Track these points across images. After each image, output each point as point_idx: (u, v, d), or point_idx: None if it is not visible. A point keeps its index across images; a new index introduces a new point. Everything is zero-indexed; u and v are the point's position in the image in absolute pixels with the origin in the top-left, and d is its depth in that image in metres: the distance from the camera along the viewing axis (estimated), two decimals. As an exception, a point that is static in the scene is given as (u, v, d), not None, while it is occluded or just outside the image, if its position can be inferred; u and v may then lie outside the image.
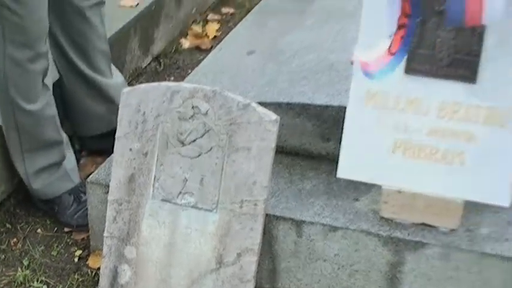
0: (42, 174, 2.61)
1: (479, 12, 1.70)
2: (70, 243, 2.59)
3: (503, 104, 1.93)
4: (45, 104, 2.56)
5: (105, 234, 2.12)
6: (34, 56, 2.46)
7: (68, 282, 2.40)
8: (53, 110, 2.60)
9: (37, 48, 2.47)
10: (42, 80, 2.52)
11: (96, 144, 2.91)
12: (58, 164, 2.62)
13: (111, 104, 2.77)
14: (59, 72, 2.84)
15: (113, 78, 2.90)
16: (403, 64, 1.96)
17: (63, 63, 2.82)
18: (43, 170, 2.60)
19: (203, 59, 3.06)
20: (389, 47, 1.83)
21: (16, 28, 2.40)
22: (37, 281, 2.40)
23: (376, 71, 1.82)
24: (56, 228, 2.64)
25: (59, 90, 2.80)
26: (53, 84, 2.63)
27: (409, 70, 1.96)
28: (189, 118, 2.01)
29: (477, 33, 1.91)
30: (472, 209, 2.05)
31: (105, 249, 2.14)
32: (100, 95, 2.84)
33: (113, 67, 2.93)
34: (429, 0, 1.92)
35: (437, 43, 1.94)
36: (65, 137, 2.67)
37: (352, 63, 2.01)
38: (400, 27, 1.83)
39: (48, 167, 2.60)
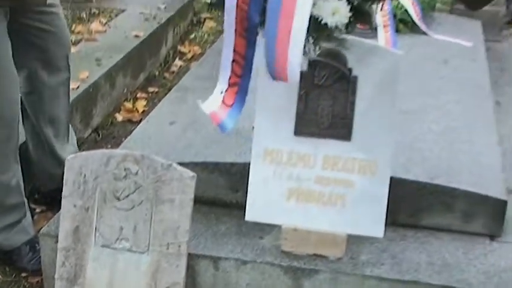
0: (4, 231, 2.54)
1: (284, 72, 1.61)
2: (27, 286, 2.54)
3: (373, 157, 1.98)
4: (12, 175, 2.49)
5: (56, 276, 2.08)
6: (8, 136, 2.39)
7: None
8: (19, 177, 2.53)
9: (11, 128, 2.39)
10: (14, 155, 2.45)
11: (52, 194, 2.78)
12: (19, 221, 2.57)
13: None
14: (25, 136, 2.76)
15: (68, 144, 2.83)
16: (292, 127, 1.99)
17: (30, 130, 2.74)
18: (6, 228, 2.54)
19: (134, 129, 3.04)
20: (223, 100, 1.75)
21: None
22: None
23: (220, 122, 1.76)
24: (14, 274, 2.58)
25: (24, 148, 2.73)
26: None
27: (298, 132, 1.99)
28: (123, 178, 2.00)
29: (350, 102, 1.97)
30: (354, 240, 2.08)
31: (56, 289, 2.11)
32: (57, 158, 2.77)
33: (72, 133, 2.87)
34: (311, 75, 1.98)
35: (319, 110, 1.98)
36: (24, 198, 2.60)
37: (253, 128, 2.05)
38: (231, 85, 1.76)
39: (10, 225, 2.55)
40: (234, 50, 1.70)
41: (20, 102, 2.46)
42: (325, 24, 1.58)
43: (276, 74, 1.62)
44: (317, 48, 1.75)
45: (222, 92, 1.77)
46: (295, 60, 1.56)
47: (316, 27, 1.59)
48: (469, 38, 3.39)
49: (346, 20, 1.57)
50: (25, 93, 2.65)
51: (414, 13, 3.48)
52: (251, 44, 1.67)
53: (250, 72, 1.72)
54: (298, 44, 1.55)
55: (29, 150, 2.80)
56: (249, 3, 1.59)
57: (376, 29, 3.19)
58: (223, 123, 1.76)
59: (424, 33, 3.47)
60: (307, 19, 1.53)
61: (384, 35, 3.17)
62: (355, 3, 1.54)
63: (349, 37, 2.04)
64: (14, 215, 2.56)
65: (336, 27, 1.59)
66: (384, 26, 3.22)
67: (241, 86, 1.75)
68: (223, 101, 1.76)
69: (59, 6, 2.64)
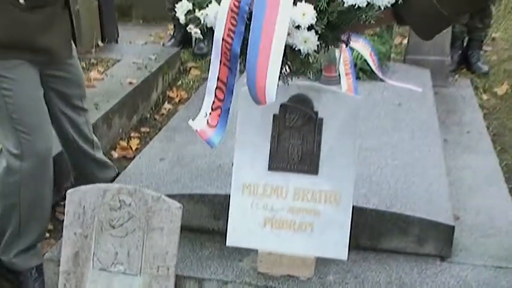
0: (23, 253, 2.50)
1: (263, 95, 1.61)
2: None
3: (337, 188, 1.99)
4: (49, 205, 2.53)
5: (58, 297, 2.06)
6: (44, 167, 2.44)
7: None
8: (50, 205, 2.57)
9: (47, 160, 2.43)
10: (49, 185, 2.49)
11: None
12: (35, 244, 2.53)
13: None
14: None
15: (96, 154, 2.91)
16: (267, 163, 1.99)
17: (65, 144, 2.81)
18: (25, 250, 2.50)
19: (128, 165, 3.03)
20: (207, 122, 1.76)
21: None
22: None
23: (208, 139, 1.76)
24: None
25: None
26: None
27: (271, 167, 2.00)
28: (117, 209, 1.99)
29: (316, 141, 1.99)
30: (322, 262, 2.08)
31: (57, 309, 2.07)
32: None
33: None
34: (282, 118, 1.99)
35: (290, 148, 1.99)
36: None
37: (232, 164, 2.05)
38: (214, 109, 1.76)
39: (29, 247, 2.50)
40: (218, 78, 1.72)
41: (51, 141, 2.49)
42: (299, 50, 1.62)
43: (256, 96, 1.63)
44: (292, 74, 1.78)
45: (206, 115, 1.77)
46: (272, 82, 1.58)
47: (292, 54, 1.64)
48: (420, 84, 3.43)
49: (315, 47, 1.62)
50: (57, 133, 2.72)
51: (372, 62, 3.52)
52: (233, 72, 1.69)
53: (231, 97, 1.74)
54: (275, 69, 1.58)
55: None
56: (233, 37, 1.62)
57: (339, 76, 3.23)
58: (210, 140, 1.77)
59: (381, 80, 3.51)
60: (283, 47, 1.58)
61: (346, 82, 3.22)
62: (320, 32, 1.60)
63: (316, 84, 2.07)
64: (37, 238, 2.52)
65: (308, 53, 1.64)
66: (346, 74, 3.26)
67: (223, 109, 1.75)
68: (207, 123, 1.77)
69: (76, 57, 2.66)
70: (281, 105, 1.97)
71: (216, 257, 2.19)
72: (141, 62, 4.37)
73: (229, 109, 1.74)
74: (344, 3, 1.57)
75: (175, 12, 4.88)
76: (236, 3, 1.60)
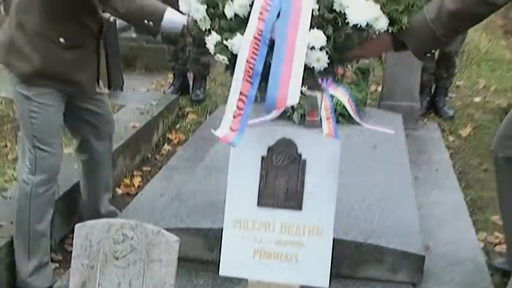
0: (36, 272, 2.51)
1: (285, 99, 1.79)
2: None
3: (319, 222, 1.98)
4: (48, 224, 2.55)
5: (65, 324, 2.03)
6: (50, 188, 2.52)
7: None
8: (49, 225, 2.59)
9: (54, 182, 2.52)
10: (52, 205, 2.56)
11: None
12: (47, 263, 2.54)
13: None
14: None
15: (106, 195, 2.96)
16: (255, 199, 2.00)
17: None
18: (37, 269, 2.51)
19: (131, 201, 3.04)
20: (231, 127, 1.88)
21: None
22: None
23: (231, 141, 1.87)
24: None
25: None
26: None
27: (260, 204, 2.00)
28: (121, 242, 1.97)
29: (300, 180, 1.99)
30: (306, 289, 2.08)
31: (65, 334, 2.04)
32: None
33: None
34: (270, 159, 2.00)
35: (277, 186, 1.99)
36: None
37: (225, 201, 2.05)
38: (236, 116, 1.88)
39: (40, 266, 2.50)
40: (240, 93, 1.86)
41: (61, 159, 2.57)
42: (313, 67, 1.82)
43: (277, 104, 1.81)
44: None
45: (228, 123, 1.90)
46: (296, 89, 1.79)
47: (306, 70, 1.82)
48: (393, 127, 3.46)
49: (325, 65, 1.82)
50: (81, 160, 2.80)
51: (350, 108, 3.55)
52: (254, 86, 1.85)
53: (251, 104, 1.88)
54: (297, 77, 1.79)
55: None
56: (256, 58, 1.81)
57: (321, 120, 3.26)
58: (233, 141, 1.89)
59: (358, 123, 3.54)
60: (303, 62, 1.79)
61: (327, 126, 3.23)
62: (331, 54, 1.80)
63: (300, 129, 2.09)
64: (45, 257, 2.54)
65: (319, 70, 1.83)
66: (327, 119, 3.28)
67: (243, 115, 1.89)
68: (230, 128, 1.89)
69: (105, 95, 2.80)
70: (269, 148, 1.98)
71: (210, 285, 2.19)
72: (144, 108, 4.39)
73: (247, 115, 1.89)
74: (348, 23, 1.76)
75: (174, 62, 5.01)
76: (259, 32, 1.79)
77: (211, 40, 1.91)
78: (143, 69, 5.96)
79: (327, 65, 1.82)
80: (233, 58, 1.88)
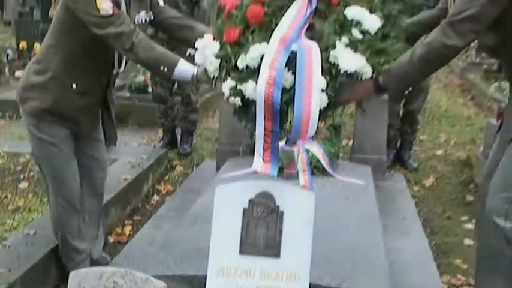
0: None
1: (306, 133, 1.95)
2: None
3: (296, 269, 1.98)
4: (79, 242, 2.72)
5: None
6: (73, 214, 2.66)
7: None
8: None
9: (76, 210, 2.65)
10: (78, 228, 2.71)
11: None
12: None
13: None
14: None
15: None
16: (238, 248, 1.99)
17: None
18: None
19: (122, 249, 3.00)
20: (263, 159, 2.02)
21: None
22: None
23: (268, 172, 2.03)
24: None
25: None
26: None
27: (242, 252, 2.00)
28: (111, 289, 1.96)
29: (278, 229, 2.00)
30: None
31: None
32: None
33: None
34: (251, 210, 2.00)
35: (257, 235, 2.00)
36: None
37: (209, 249, 2.03)
38: (266, 149, 2.02)
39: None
40: (265, 128, 1.99)
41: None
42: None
43: (300, 135, 1.96)
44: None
45: (260, 155, 2.03)
46: (314, 123, 1.94)
47: None
48: (363, 179, 3.48)
49: (325, 105, 1.97)
50: None
51: (324, 161, 3.57)
52: (276, 123, 1.97)
53: (277, 139, 2.01)
54: (315, 114, 1.94)
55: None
56: (273, 100, 1.93)
57: (297, 173, 3.27)
58: (269, 173, 2.04)
59: (331, 175, 3.55)
60: (319, 103, 1.95)
61: (303, 178, 3.24)
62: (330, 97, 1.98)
63: (278, 183, 2.10)
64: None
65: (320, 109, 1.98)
66: (303, 171, 3.29)
67: (272, 148, 2.02)
68: (263, 160, 2.03)
69: (102, 141, 2.91)
70: (249, 201, 2.00)
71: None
72: (135, 161, 4.38)
73: (276, 148, 2.01)
74: (340, 71, 1.95)
75: (164, 120, 5.08)
76: (272, 78, 1.93)
77: (227, 85, 2.04)
78: (135, 125, 5.98)
79: (326, 105, 1.97)
80: (245, 101, 2.01)
